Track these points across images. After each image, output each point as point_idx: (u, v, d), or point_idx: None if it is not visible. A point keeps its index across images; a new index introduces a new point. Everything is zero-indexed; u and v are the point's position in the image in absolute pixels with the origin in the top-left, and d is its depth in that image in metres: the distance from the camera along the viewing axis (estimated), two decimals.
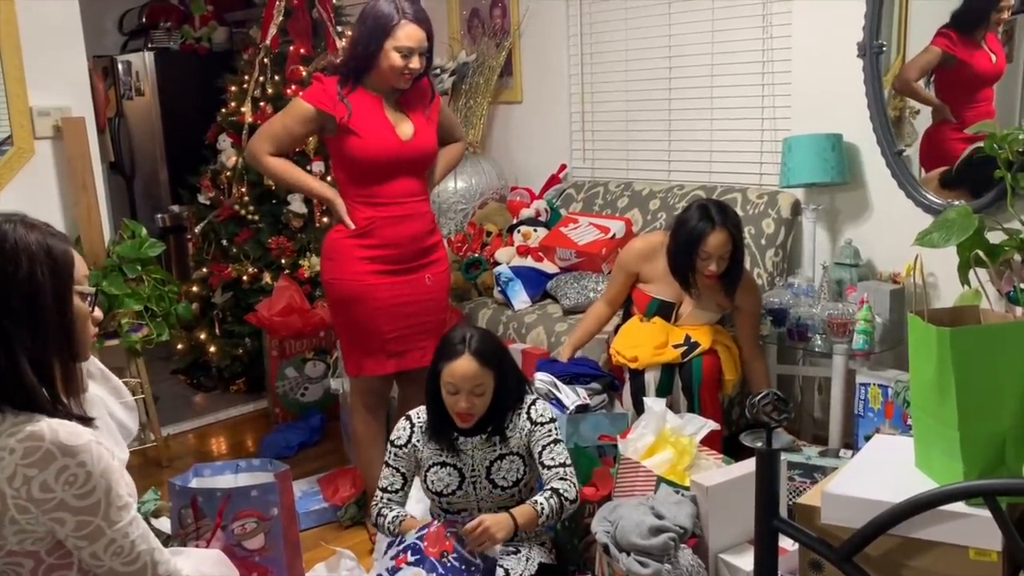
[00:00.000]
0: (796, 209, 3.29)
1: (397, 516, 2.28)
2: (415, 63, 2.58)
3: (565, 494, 2.20)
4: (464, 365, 2.17)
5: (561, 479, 2.22)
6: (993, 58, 2.87)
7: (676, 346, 2.83)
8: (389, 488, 2.33)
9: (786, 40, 3.33)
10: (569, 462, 2.26)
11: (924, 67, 3.01)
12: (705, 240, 2.72)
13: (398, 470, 2.33)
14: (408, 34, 2.55)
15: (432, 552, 2.06)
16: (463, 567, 2.05)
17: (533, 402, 2.32)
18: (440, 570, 2.03)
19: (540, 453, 2.26)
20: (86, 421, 1.39)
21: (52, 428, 1.29)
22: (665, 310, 2.92)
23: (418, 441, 2.33)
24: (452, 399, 2.21)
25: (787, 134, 3.25)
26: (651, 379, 2.79)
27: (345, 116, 2.59)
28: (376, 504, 2.34)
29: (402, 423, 2.36)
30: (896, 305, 2.89)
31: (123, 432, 1.67)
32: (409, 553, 2.07)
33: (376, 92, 2.65)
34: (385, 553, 2.16)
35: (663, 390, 2.79)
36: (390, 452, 2.34)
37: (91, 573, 1.37)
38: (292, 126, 2.67)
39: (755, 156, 3.51)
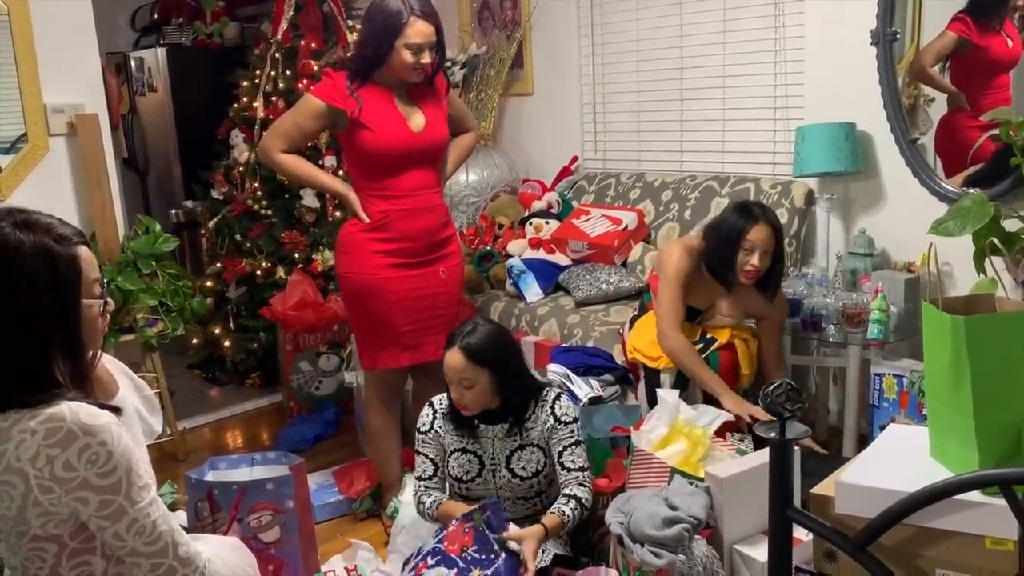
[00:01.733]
0: (810, 199, 3.27)
1: (435, 502, 2.32)
2: (426, 58, 2.59)
3: (586, 504, 2.25)
4: (451, 356, 2.23)
5: (581, 485, 2.26)
6: (1010, 43, 2.83)
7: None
8: (422, 475, 2.38)
9: (799, 28, 3.31)
10: (588, 465, 2.29)
11: (940, 52, 2.98)
12: (748, 231, 2.64)
13: (427, 456, 2.37)
14: (418, 31, 2.55)
15: (452, 549, 2.08)
16: (483, 557, 2.07)
17: (558, 396, 2.33)
18: (461, 564, 2.05)
19: (560, 453, 2.27)
20: (112, 409, 1.41)
21: (72, 409, 1.30)
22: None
23: (439, 427, 2.36)
24: (450, 388, 2.27)
25: (800, 123, 3.23)
26: (667, 377, 2.78)
27: (356, 110, 2.60)
28: (416, 493, 2.39)
29: (425, 410, 2.41)
30: (911, 294, 2.87)
31: (145, 430, 1.68)
32: (429, 558, 2.11)
33: (386, 85, 2.66)
34: (404, 568, 2.19)
35: (680, 385, 2.77)
36: (417, 439, 2.39)
37: (113, 557, 1.38)
38: (303, 122, 2.68)
39: (768, 146, 3.49)
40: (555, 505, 2.25)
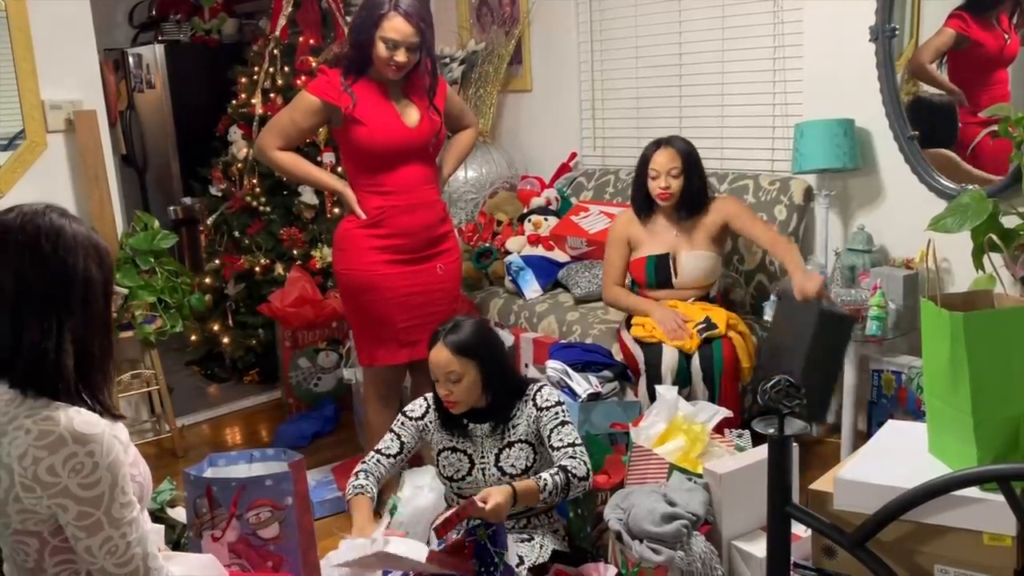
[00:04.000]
0: (808, 195, 3.27)
1: (357, 487, 2.24)
2: (400, 56, 2.57)
3: (573, 471, 2.16)
4: (436, 353, 2.21)
5: (571, 457, 2.19)
6: (1007, 39, 2.83)
7: (695, 325, 2.84)
8: (383, 450, 2.31)
9: (797, 25, 3.31)
10: (579, 442, 2.24)
11: (938, 49, 2.98)
12: (651, 158, 2.97)
13: (399, 436, 2.32)
14: (394, 26, 2.54)
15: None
16: (482, 570, 2.06)
17: (539, 388, 2.32)
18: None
19: (549, 437, 2.25)
20: (116, 415, 1.42)
21: (68, 415, 1.31)
22: (663, 265, 2.99)
23: (431, 422, 2.34)
24: (437, 386, 2.25)
25: (799, 120, 3.23)
26: (668, 371, 2.78)
27: (350, 105, 2.60)
28: (362, 463, 2.31)
29: (420, 400, 2.37)
30: (910, 291, 2.87)
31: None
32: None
33: (381, 81, 2.66)
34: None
35: (681, 382, 2.78)
36: (399, 420, 2.34)
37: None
38: (299, 119, 2.68)
39: (767, 142, 3.49)
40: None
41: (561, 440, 2.23)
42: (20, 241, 1.35)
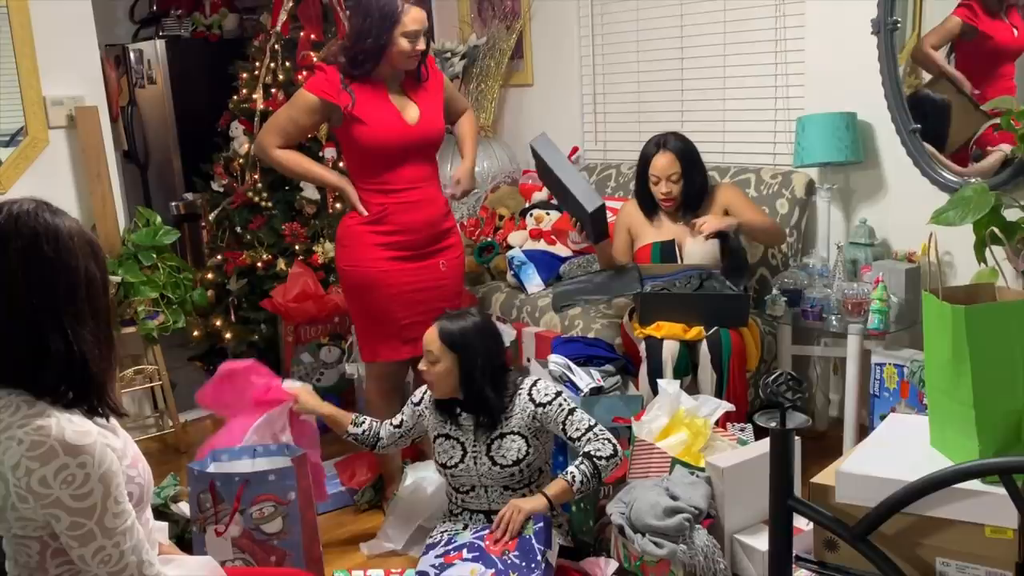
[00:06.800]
0: (810, 189, 3.26)
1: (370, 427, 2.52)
2: (421, 44, 2.64)
3: (598, 453, 2.20)
4: (430, 329, 2.32)
5: (593, 441, 2.23)
6: (1016, 32, 2.82)
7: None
8: (391, 420, 2.54)
9: (799, 18, 3.30)
10: (594, 423, 2.27)
11: (943, 37, 2.96)
12: (652, 163, 2.99)
13: (402, 415, 2.52)
14: (414, 18, 2.59)
15: (494, 550, 2.11)
16: (523, 564, 2.07)
17: (535, 383, 2.33)
18: (500, 566, 2.06)
19: (563, 431, 2.27)
20: (121, 413, 1.43)
21: (60, 425, 1.29)
22: (668, 251, 3.04)
23: (426, 407, 2.43)
24: (422, 360, 2.36)
25: (800, 113, 3.22)
26: (668, 357, 2.78)
27: (349, 105, 2.60)
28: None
29: (422, 387, 2.49)
30: (912, 284, 2.87)
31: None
32: (465, 551, 2.11)
33: (379, 78, 2.66)
34: (426, 553, 2.19)
35: (680, 369, 2.78)
36: (407, 404, 2.51)
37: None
38: (298, 117, 2.68)
39: (768, 136, 3.48)
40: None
41: (577, 429, 2.26)
42: (19, 247, 1.31)
